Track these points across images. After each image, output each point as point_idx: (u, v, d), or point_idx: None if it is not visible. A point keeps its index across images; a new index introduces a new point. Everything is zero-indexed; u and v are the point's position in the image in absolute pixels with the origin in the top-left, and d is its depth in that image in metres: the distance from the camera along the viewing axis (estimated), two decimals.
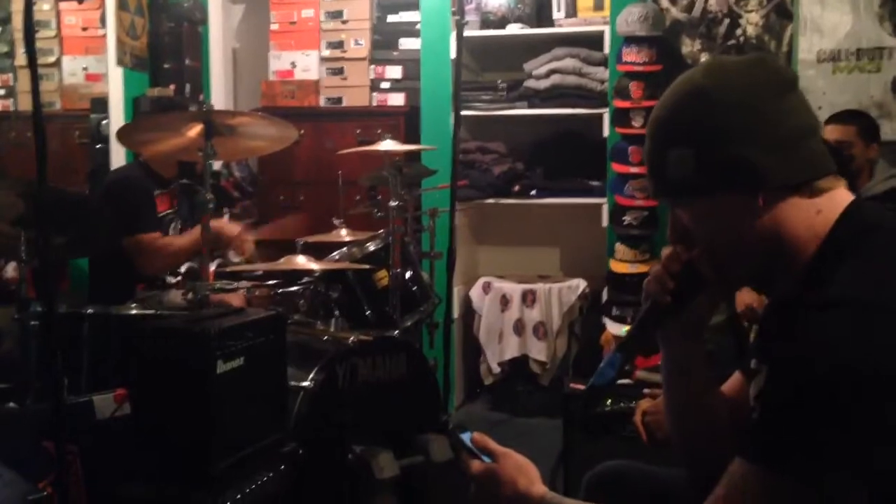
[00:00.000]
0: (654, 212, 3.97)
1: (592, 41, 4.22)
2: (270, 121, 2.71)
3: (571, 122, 4.40)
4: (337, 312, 3.08)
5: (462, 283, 4.39)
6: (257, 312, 2.32)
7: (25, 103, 4.50)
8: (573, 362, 4.29)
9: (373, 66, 4.60)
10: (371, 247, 3.21)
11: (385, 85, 4.59)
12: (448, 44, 4.23)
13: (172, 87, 4.26)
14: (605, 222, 4.16)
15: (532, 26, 4.38)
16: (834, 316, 1.01)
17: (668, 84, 1.27)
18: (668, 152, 1.18)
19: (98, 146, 4.15)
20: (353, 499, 2.50)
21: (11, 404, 2.42)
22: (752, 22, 4.00)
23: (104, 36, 4.19)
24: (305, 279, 3.09)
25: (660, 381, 1.42)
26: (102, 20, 4.28)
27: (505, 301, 4.34)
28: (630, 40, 3.97)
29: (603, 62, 4.20)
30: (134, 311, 2.67)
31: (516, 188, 4.40)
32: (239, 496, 2.03)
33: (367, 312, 3.15)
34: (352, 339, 2.68)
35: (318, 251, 3.15)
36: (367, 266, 3.13)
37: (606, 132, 4.14)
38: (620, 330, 3.80)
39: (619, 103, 4.00)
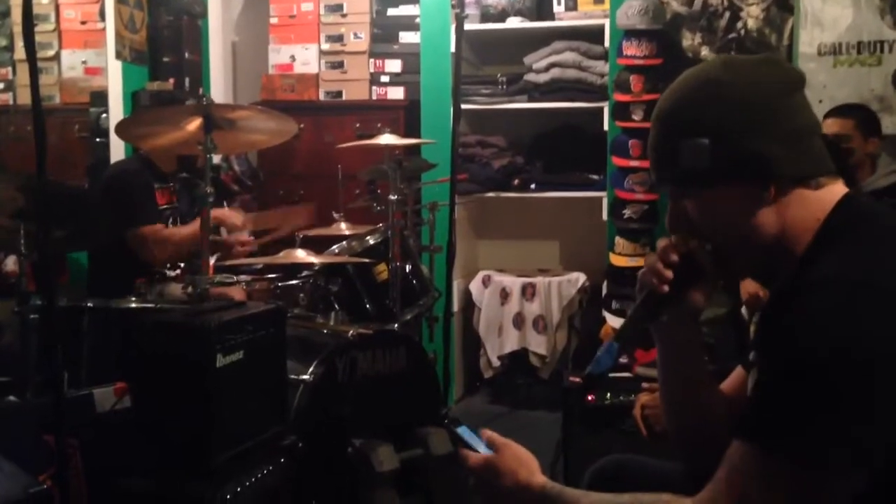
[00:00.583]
0: (654, 205, 3.97)
1: (593, 35, 4.21)
2: (270, 114, 2.70)
3: (571, 116, 4.40)
4: (337, 306, 3.09)
5: (462, 277, 4.39)
6: (257, 306, 2.32)
7: (25, 97, 4.49)
8: (573, 356, 4.29)
9: (372, 60, 4.59)
10: (371, 240, 3.21)
11: (385, 79, 4.58)
12: (448, 37, 4.22)
13: (172, 80, 4.25)
14: (604, 216, 4.16)
15: (532, 20, 4.37)
16: (822, 295, 1.04)
17: (668, 78, 1.29)
18: (682, 142, 1.19)
19: (97, 140, 4.14)
20: (353, 492, 2.51)
21: (11, 398, 2.43)
22: (752, 15, 3.99)
23: (103, 30, 4.18)
24: (305, 273, 3.09)
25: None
26: (101, 14, 4.27)
27: (505, 294, 4.34)
28: (630, 34, 3.96)
29: (603, 56, 4.19)
30: (134, 305, 2.67)
31: (516, 182, 4.40)
32: (239, 489, 2.03)
33: (367, 306, 3.16)
34: (351, 332, 2.68)
35: (317, 245, 3.15)
36: (366, 260, 3.13)
37: (606, 126, 4.13)
38: (620, 323, 3.80)
39: (620, 97, 3.99)
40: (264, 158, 4.66)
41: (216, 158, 4.15)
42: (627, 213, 4.02)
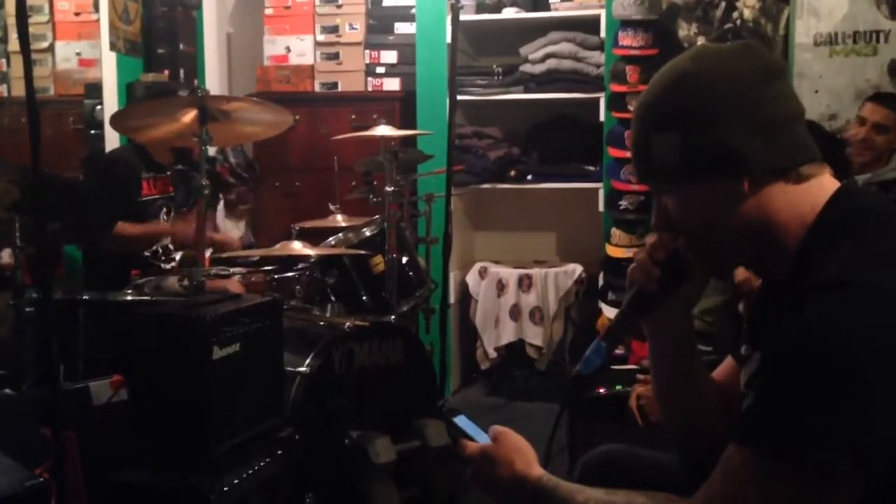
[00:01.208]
0: (650, 196, 3.96)
1: (588, 25, 4.20)
2: (265, 106, 2.70)
3: (567, 107, 4.39)
4: (333, 298, 3.09)
5: (458, 269, 4.39)
6: (253, 298, 2.32)
7: (19, 89, 4.48)
8: (569, 347, 4.29)
9: (368, 51, 4.58)
10: (367, 232, 3.21)
11: (380, 70, 4.57)
12: (443, 28, 4.21)
13: (166, 72, 4.24)
14: (601, 207, 4.16)
15: (528, 10, 4.36)
16: (824, 298, 1.01)
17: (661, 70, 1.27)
18: (654, 137, 1.18)
19: (92, 132, 4.13)
20: (351, 484, 2.51)
21: (7, 391, 2.42)
22: (748, 5, 3.98)
23: (97, 21, 4.16)
24: (301, 265, 3.09)
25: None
26: (95, 5, 4.25)
27: (501, 286, 4.34)
28: (626, 24, 3.95)
29: (599, 46, 4.19)
30: (130, 298, 2.66)
31: (512, 173, 4.40)
32: (236, 481, 2.03)
33: (364, 298, 3.16)
34: (348, 324, 2.68)
35: (314, 237, 3.15)
36: (363, 251, 3.13)
37: (602, 116, 4.12)
38: (612, 318, 3.80)
39: (616, 87, 3.99)
40: (260, 150, 4.65)
41: (212, 150, 4.14)
42: (624, 203, 4.02)
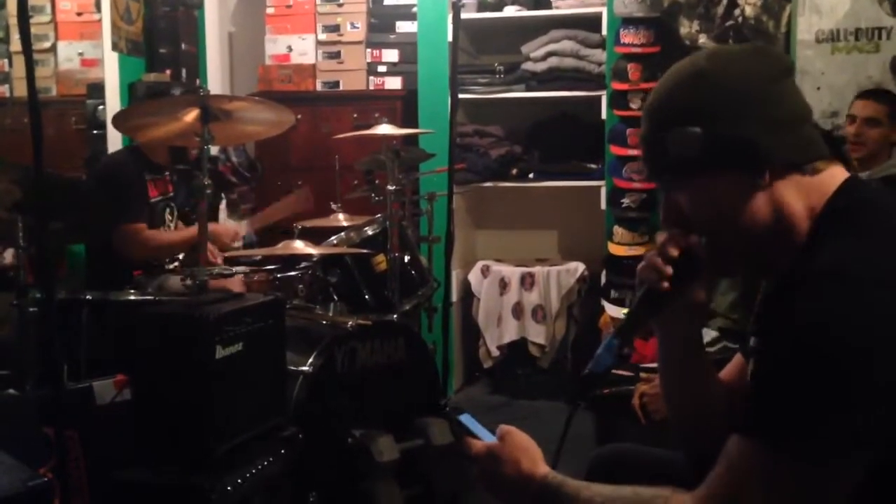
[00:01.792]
0: (653, 194, 3.96)
1: (590, 23, 4.20)
2: (267, 105, 2.70)
3: (569, 105, 4.39)
4: (335, 297, 3.09)
5: (460, 267, 4.39)
6: (256, 297, 2.32)
7: (21, 89, 4.48)
8: (572, 345, 4.29)
9: (369, 50, 4.58)
10: (369, 231, 3.21)
11: (382, 68, 4.57)
12: (445, 26, 4.20)
13: (168, 71, 4.24)
14: (603, 205, 4.15)
15: (529, 8, 4.35)
16: (825, 288, 1.03)
17: (666, 66, 1.28)
18: (673, 131, 1.19)
19: (95, 132, 4.13)
20: (354, 483, 2.51)
21: (11, 391, 2.43)
22: (750, 2, 3.97)
23: (99, 21, 4.16)
24: (304, 264, 3.09)
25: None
26: (97, 5, 4.25)
27: (503, 284, 4.34)
28: (628, 22, 3.95)
29: (601, 44, 4.18)
30: (132, 297, 2.67)
31: (514, 171, 4.40)
32: (238, 480, 2.03)
33: (366, 297, 3.16)
34: (350, 323, 2.68)
35: (316, 236, 3.15)
36: (365, 250, 3.13)
37: (604, 114, 4.12)
38: (619, 312, 3.80)
39: (617, 85, 3.99)
40: (262, 149, 4.65)
41: (214, 150, 4.15)
42: (626, 201, 4.01)
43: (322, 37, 4.62)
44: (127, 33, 4.17)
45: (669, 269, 1.24)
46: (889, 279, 1.02)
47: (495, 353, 4.36)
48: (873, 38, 3.79)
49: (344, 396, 2.57)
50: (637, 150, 3.88)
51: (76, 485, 2.09)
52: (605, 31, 4.11)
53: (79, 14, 4.53)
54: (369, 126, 3.39)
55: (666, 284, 1.25)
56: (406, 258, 3.27)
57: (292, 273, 3.05)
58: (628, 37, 3.93)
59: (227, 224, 3.43)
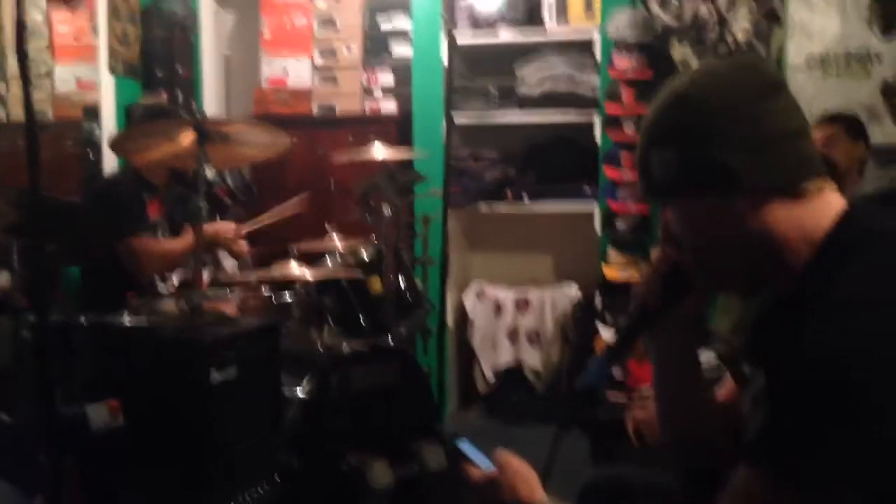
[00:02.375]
0: (647, 217, 3.98)
1: (584, 47, 4.23)
2: (263, 128, 2.71)
3: (563, 128, 4.41)
4: (330, 320, 3.08)
5: (455, 289, 4.39)
6: (251, 321, 2.32)
7: (17, 113, 4.49)
8: (567, 369, 4.28)
9: (364, 73, 4.60)
10: (364, 254, 3.21)
11: (377, 92, 4.59)
12: (439, 50, 4.23)
13: (165, 94, 4.26)
14: (597, 228, 4.17)
15: (523, 32, 4.39)
16: (840, 318, 1.01)
17: (659, 90, 1.28)
18: (653, 153, 1.20)
19: (91, 154, 4.14)
20: None
21: (4, 416, 2.41)
22: (741, 27, 4.02)
23: (96, 44, 4.18)
24: (298, 286, 3.09)
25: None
26: (94, 29, 4.27)
27: (498, 308, 4.34)
28: (621, 46, 3.98)
29: (594, 68, 4.21)
30: (127, 321, 2.66)
31: (508, 194, 4.41)
32: None
33: (361, 320, 3.15)
34: (345, 346, 2.67)
35: (311, 258, 3.15)
36: (360, 273, 3.13)
37: (598, 138, 4.14)
38: (613, 335, 3.80)
39: (611, 109, 4.01)
40: (258, 172, 4.65)
41: (209, 173, 4.15)
42: (620, 224, 4.03)
43: (318, 60, 4.64)
44: (123, 56, 4.19)
45: (660, 286, 1.25)
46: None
47: (491, 378, 4.35)
48: (864, 62, 3.82)
49: (339, 421, 2.57)
50: (631, 174, 3.92)
51: None
52: (598, 56, 4.15)
53: (75, 38, 4.54)
54: (365, 148, 3.40)
55: (656, 300, 1.25)
56: (401, 281, 3.27)
57: (287, 295, 3.05)
58: (622, 61, 3.97)
59: (226, 223, 3.42)
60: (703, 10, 4.06)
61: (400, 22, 4.57)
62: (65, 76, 4.57)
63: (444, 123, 3.42)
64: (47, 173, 2.14)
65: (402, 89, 4.51)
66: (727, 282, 1.26)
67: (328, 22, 4.63)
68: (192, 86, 4.60)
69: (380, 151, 3.30)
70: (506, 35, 4.36)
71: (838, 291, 1.04)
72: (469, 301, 4.41)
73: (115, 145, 2.82)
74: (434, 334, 3.44)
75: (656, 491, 1.50)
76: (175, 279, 3.17)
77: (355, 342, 2.73)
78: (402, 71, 4.50)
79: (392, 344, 3.01)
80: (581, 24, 4.27)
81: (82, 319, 2.62)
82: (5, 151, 4.34)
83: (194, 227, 2.45)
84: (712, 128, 1.15)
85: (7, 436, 2.25)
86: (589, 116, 4.19)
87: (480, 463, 1.32)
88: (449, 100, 3.44)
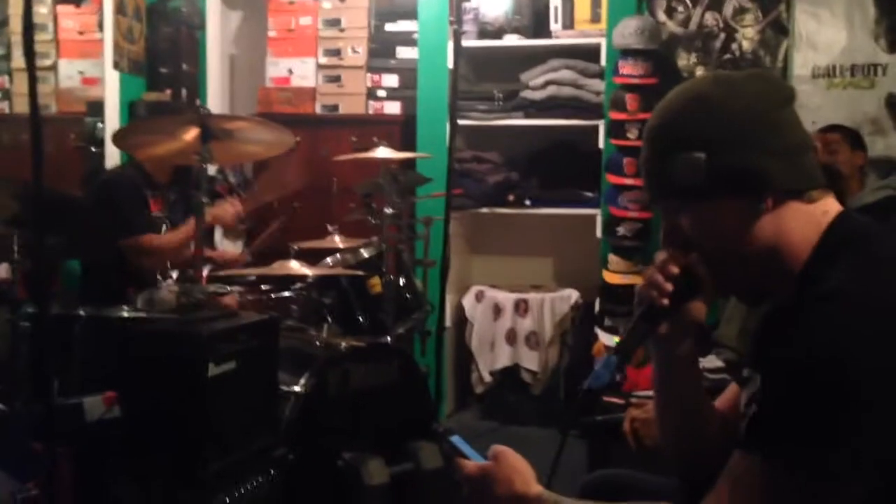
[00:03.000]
0: (648, 223, 3.98)
1: (589, 53, 4.24)
2: (267, 126, 2.71)
3: (567, 133, 4.41)
4: (329, 318, 3.08)
5: (455, 292, 4.39)
6: (250, 316, 2.32)
7: (21, 106, 4.50)
8: (565, 372, 4.28)
9: (369, 75, 4.61)
10: (365, 253, 3.21)
11: (381, 93, 4.60)
12: (445, 53, 4.24)
13: (169, 91, 4.27)
14: (598, 233, 4.17)
15: (529, 37, 4.39)
16: (828, 308, 1.05)
17: (663, 97, 1.29)
18: (677, 156, 1.20)
19: (93, 149, 4.15)
20: None
21: (1, 406, 2.41)
22: (747, 37, 4.03)
23: (101, 40, 4.19)
24: (298, 284, 3.09)
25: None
26: (100, 24, 4.28)
27: (497, 310, 4.34)
28: (626, 53, 3.98)
29: (599, 74, 4.22)
30: (126, 313, 2.66)
31: (511, 198, 4.41)
32: (227, 499, 2.02)
33: (360, 319, 3.16)
34: (344, 344, 2.67)
35: (311, 257, 3.15)
36: (360, 272, 3.13)
37: (602, 144, 4.15)
38: (612, 340, 3.80)
39: (615, 115, 4.01)
40: (259, 170, 4.66)
41: (211, 170, 4.16)
42: (621, 230, 4.03)
43: (323, 60, 4.65)
44: (129, 52, 4.20)
45: (669, 286, 1.25)
46: (889, 300, 1.04)
47: (488, 378, 4.35)
48: (869, 75, 3.83)
49: (335, 418, 2.56)
50: (633, 180, 3.93)
51: (64, 501, 2.07)
52: (603, 62, 4.15)
53: (80, 33, 4.55)
54: (368, 150, 3.41)
55: (665, 301, 1.26)
56: (401, 281, 3.27)
57: (287, 293, 3.05)
58: (627, 68, 3.97)
59: (225, 206, 3.40)
60: (710, 18, 4.07)
61: (406, 24, 4.57)
62: (69, 71, 4.58)
63: (448, 126, 3.42)
64: (49, 167, 2.14)
65: (406, 91, 4.51)
66: (736, 284, 1.28)
67: (334, 22, 4.64)
68: (196, 84, 4.61)
69: (383, 152, 3.30)
70: (511, 39, 4.37)
71: (830, 287, 1.08)
72: (468, 303, 4.41)
73: (118, 139, 2.82)
74: (432, 335, 3.44)
75: (654, 491, 1.49)
76: (175, 273, 3.17)
77: (354, 340, 2.73)
78: (408, 73, 4.51)
79: (391, 343, 3.01)
80: (587, 30, 4.28)
81: (81, 311, 2.63)
82: (8, 144, 4.35)
83: (196, 222, 2.45)
84: (740, 131, 1.18)
85: (3, 425, 2.25)
86: (593, 122, 4.19)
87: (473, 458, 1.32)
88: (454, 103, 3.44)
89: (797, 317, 1.07)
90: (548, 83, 4.28)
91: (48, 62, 4.54)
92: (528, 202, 4.42)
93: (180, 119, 2.81)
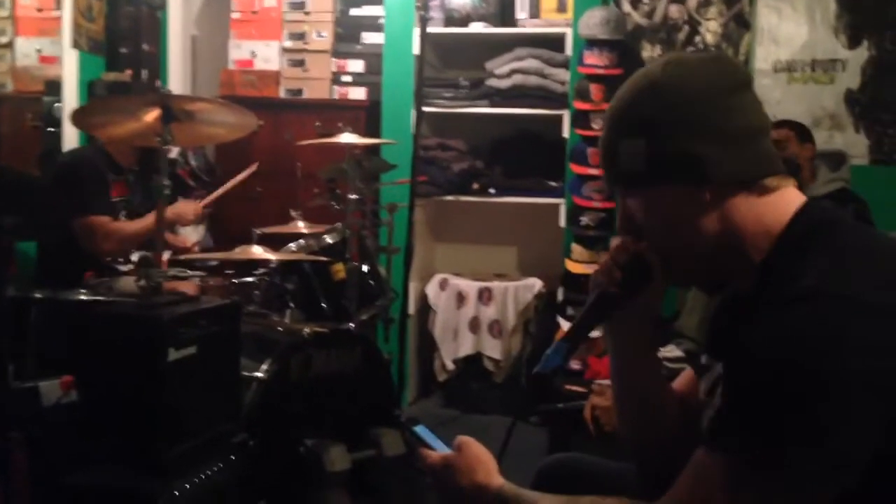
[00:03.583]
0: (611, 213, 4.01)
1: (554, 42, 4.25)
2: (230, 108, 2.67)
3: (532, 122, 4.42)
4: (292, 304, 3.06)
5: (418, 279, 4.39)
6: (211, 301, 2.29)
7: None
8: (527, 361, 4.30)
9: (335, 60, 4.57)
10: (328, 239, 3.19)
11: (346, 78, 4.57)
12: (411, 39, 4.22)
13: (129, 71, 4.18)
14: (562, 222, 4.19)
15: (495, 25, 4.39)
16: (803, 309, 1.02)
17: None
18: (621, 143, 1.19)
19: (50, 129, 4.06)
20: (304, 492, 2.48)
21: None
22: (711, 30, 4.06)
23: (59, 18, 4.10)
24: (261, 270, 3.06)
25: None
26: (58, 2, 4.18)
27: (461, 298, 4.35)
28: (591, 43, 4.00)
29: (564, 64, 4.23)
30: (84, 297, 2.61)
31: (475, 186, 4.41)
32: (187, 485, 2.00)
33: (323, 305, 3.14)
34: (306, 330, 2.66)
35: (274, 242, 3.12)
36: (324, 258, 3.11)
37: (566, 133, 4.16)
38: (572, 321, 3.83)
39: (580, 105, 4.03)
40: (222, 154, 4.60)
41: (173, 152, 4.10)
42: (584, 220, 4.05)
43: (287, 44, 4.60)
44: (88, 31, 4.11)
45: (618, 273, 1.25)
46: (864, 297, 1.02)
47: (450, 366, 4.36)
48: (829, 70, 3.89)
49: (297, 404, 2.55)
50: (597, 170, 3.95)
51: (18, 487, 2.03)
52: (569, 52, 4.16)
53: (39, 10, 4.44)
54: (332, 135, 3.38)
55: (615, 289, 1.26)
56: (365, 268, 3.25)
57: (249, 278, 3.02)
58: (592, 58, 3.98)
59: (187, 202, 3.38)
60: (674, 10, 4.10)
61: (372, 9, 4.54)
62: (26, 49, 4.46)
63: (413, 113, 3.41)
64: (5, 146, 2.09)
65: (371, 77, 4.49)
66: (687, 273, 1.26)
67: (299, 5, 4.59)
68: (157, 65, 4.53)
69: (347, 137, 3.28)
70: (478, 27, 4.36)
71: (798, 284, 1.05)
72: (432, 290, 4.41)
73: (77, 119, 2.76)
74: (396, 322, 3.43)
75: (609, 475, 1.50)
76: (134, 257, 3.12)
77: (317, 326, 2.71)
78: (373, 59, 4.48)
79: (354, 330, 2.99)
80: (553, 20, 4.29)
81: (37, 294, 2.58)
82: None
83: (157, 205, 2.41)
84: (683, 118, 1.15)
85: None
86: (558, 111, 4.21)
87: (437, 447, 1.31)
88: (419, 89, 3.43)
89: (766, 312, 1.04)
90: (513, 72, 4.28)
91: (5, 39, 4.42)
92: (492, 191, 4.43)
93: (141, 99, 2.75)
